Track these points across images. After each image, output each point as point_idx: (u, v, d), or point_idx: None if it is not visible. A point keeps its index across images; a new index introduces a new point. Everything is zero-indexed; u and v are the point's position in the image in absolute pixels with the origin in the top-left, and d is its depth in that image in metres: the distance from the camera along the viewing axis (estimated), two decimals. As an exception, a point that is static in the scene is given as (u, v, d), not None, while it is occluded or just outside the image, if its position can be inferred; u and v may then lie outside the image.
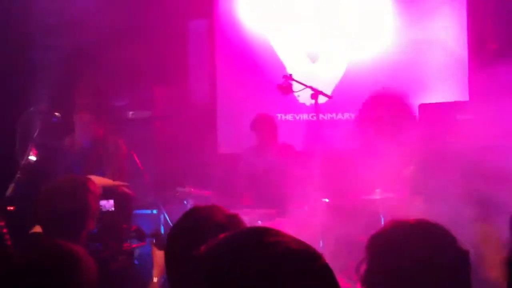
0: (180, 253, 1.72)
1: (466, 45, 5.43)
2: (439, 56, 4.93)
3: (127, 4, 5.80)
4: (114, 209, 2.74)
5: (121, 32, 5.85)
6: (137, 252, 2.99)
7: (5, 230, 2.97)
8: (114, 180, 3.88)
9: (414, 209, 4.22)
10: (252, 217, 4.72)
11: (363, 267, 1.62)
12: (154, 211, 5.15)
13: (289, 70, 5.63)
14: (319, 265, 1.06)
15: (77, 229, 2.54)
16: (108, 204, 2.72)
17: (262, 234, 1.08)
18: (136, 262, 2.95)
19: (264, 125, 5.18)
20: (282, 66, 5.90)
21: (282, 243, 1.06)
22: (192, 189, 4.78)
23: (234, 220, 1.78)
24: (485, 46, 5.17)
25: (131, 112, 5.50)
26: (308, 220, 4.66)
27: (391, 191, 4.69)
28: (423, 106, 4.68)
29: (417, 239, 1.59)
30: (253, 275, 1.02)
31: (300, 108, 5.73)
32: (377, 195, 4.71)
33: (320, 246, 4.28)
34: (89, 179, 2.71)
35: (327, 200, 4.66)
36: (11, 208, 3.64)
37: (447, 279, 1.56)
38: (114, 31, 5.83)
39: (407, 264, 1.55)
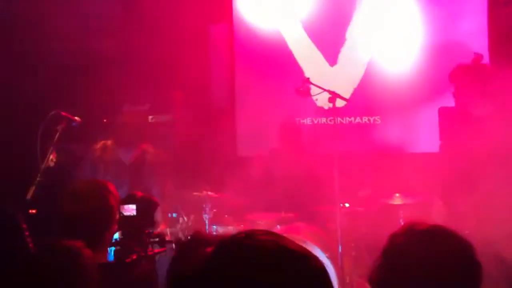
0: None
1: (486, 47, 5.37)
2: (460, 59, 4.87)
3: (148, 9, 5.86)
4: (136, 214, 2.75)
5: (142, 36, 5.90)
6: (157, 257, 3.00)
7: (27, 233, 3.00)
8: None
9: (435, 215, 4.19)
10: (271, 221, 4.72)
11: (377, 271, 1.63)
12: (174, 215, 5.17)
13: (307, 73, 5.62)
14: (314, 266, 1.05)
15: (101, 231, 2.56)
16: (130, 209, 2.73)
17: (257, 234, 1.10)
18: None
19: (288, 130, 5.22)
20: (300, 70, 5.90)
21: (279, 243, 1.06)
22: (210, 193, 4.79)
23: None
24: (505, 49, 5.12)
25: (151, 117, 5.53)
26: (327, 224, 4.65)
27: (412, 196, 4.67)
28: (443, 110, 4.64)
29: (429, 244, 1.60)
30: (250, 274, 1.02)
31: (318, 111, 5.72)
32: (397, 200, 4.69)
33: (339, 251, 4.26)
34: (109, 182, 2.73)
35: (347, 205, 4.64)
36: (33, 211, 3.67)
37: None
38: (134, 36, 5.89)
39: (416, 267, 1.56)
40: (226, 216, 4.94)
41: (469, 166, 3.85)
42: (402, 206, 4.61)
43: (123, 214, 2.73)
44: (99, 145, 4.84)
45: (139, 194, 3.22)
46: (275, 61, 5.99)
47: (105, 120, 4.89)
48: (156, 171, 4.66)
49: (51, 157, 3.95)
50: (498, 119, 3.92)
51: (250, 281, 1.01)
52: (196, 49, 6.12)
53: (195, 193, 4.79)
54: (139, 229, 2.83)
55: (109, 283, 2.49)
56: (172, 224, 4.80)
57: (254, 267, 1.02)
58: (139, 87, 5.82)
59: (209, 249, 1.11)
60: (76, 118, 4.18)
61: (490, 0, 5.36)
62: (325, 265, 1.09)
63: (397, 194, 4.68)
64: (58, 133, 4.02)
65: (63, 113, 4.14)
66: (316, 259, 1.09)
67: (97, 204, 2.56)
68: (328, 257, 4.20)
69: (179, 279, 1.12)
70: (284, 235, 3.38)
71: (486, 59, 5.22)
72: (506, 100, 3.96)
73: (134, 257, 2.56)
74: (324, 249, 4.25)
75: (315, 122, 5.79)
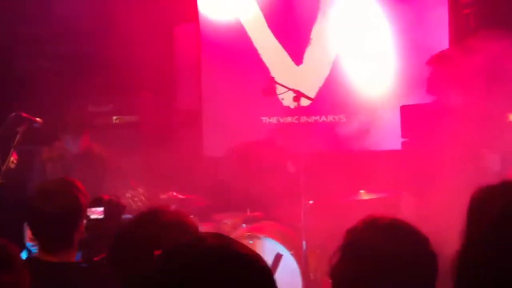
0: (128, 255, 1.76)
1: (447, 46, 5.51)
2: (422, 58, 4.99)
3: (113, 10, 5.81)
4: (104, 217, 2.73)
5: (106, 38, 5.85)
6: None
7: None
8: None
9: (400, 209, 4.29)
10: (236, 220, 4.75)
11: (334, 260, 1.66)
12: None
13: (273, 73, 5.66)
14: (259, 266, 1.08)
15: (70, 231, 2.53)
16: (97, 212, 2.70)
17: (205, 238, 1.11)
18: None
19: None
20: (266, 69, 5.93)
21: (224, 245, 1.08)
22: (176, 194, 4.77)
23: (182, 221, 1.82)
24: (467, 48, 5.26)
25: (115, 117, 5.50)
26: (293, 222, 4.70)
27: (376, 193, 4.75)
28: (405, 108, 4.74)
29: (387, 237, 1.62)
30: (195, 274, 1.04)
31: (284, 110, 5.77)
32: (362, 196, 4.77)
33: (304, 248, 4.31)
34: (78, 181, 2.71)
35: (311, 202, 4.70)
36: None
37: (411, 280, 1.58)
38: (98, 37, 5.83)
39: (373, 262, 1.59)
40: (192, 216, 4.93)
41: (432, 162, 3.95)
42: (367, 203, 4.69)
43: (89, 217, 2.71)
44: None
45: (106, 197, 3.19)
46: (241, 61, 6.01)
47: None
48: (111, 170, 4.60)
49: (11, 158, 3.90)
50: (465, 113, 4.03)
51: (194, 286, 1.03)
52: (162, 50, 6.09)
53: (161, 196, 4.77)
54: (106, 232, 2.81)
55: (76, 283, 2.48)
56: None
57: (199, 272, 1.04)
58: (103, 88, 5.78)
59: (157, 252, 1.13)
60: (37, 119, 4.13)
61: (451, 2, 5.50)
62: (290, 264, 1.12)
63: (362, 191, 4.76)
64: (18, 135, 3.96)
65: (24, 114, 4.08)
66: (262, 262, 1.11)
67: (68, 202, 2.54)
68: (292, 255, 4.26)
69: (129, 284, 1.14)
70: (249, 233, 3.41)
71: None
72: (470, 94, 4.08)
73: (103, 255, 2.55)
74: (289, 247, 4.30)
75: (281, 121, 5.84)
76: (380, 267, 1.59)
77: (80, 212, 2.59)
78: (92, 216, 2.69)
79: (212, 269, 1.04)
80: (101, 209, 2.75)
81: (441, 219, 3.70)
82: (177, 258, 1.07)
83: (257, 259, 1.10)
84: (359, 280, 1.61)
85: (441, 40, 5.46)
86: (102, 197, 2.89)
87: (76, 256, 2.70)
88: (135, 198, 4.19)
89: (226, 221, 4.77)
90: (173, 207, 4.52)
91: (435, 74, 4.33)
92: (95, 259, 2.51)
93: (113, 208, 2.93)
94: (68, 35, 5.86)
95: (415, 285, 1.60)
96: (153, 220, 1.82)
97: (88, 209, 2.64)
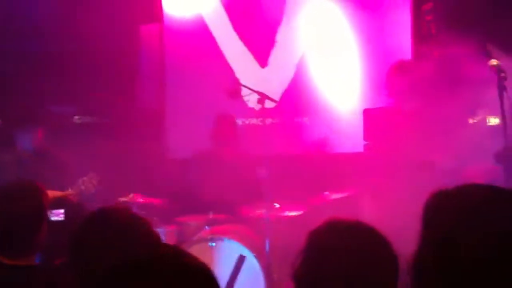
0: (86, 256, 1.76)
1: (410, 51, 5.61)
2: (385, 61, 5.08)
3: (76, 8, 5.71)
4: (65, 219, 2.68)
5: (67, 37, 5.74)
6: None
7: None
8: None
9: (362, 210, 4.33)
10: (199, 223, 4.71)
11: (297, 263, 1.67)
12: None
13: (238, 75, 5.67)
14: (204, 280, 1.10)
15: (32, 233, 2.46)
16: (57, 214, 2.65)
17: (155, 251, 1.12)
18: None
19: (225, 124, 5.21)
20: (231, 71, 5.92)
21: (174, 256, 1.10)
22: (138, 197, 4.70)
23: (138, 221, 1.81)
24: (428, 53, 5.37)
25: (76, 117, 5.40)
26: (256, 224, 4.70)
27: (339, 195, 4.79)
28: (367, 111, 4.79)
29: (345, 238, 1.65)
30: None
31: (250, 112, 5.77)
32: (325, 197, 4.79)
33: (266, 250, 4.32)
34: (39, 182, 2.65)
35: (276, 205, 4.70)
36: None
37: (372, 281, 1.60)
38: (60, 36, 5.72)
39: (335, 264, 1.60)
40: (154, 218, 4.88)
41: (393, 165, 4.01)
42: (330, 205, 4.72)
43: (50, 219, 2.64)
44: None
45: (69, 198, 3.13)
46: (206, 62, 5.98)
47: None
48: (68, 170, 4.50)
49: None
50: (423, 116, 4.11)
51: None
52: (126, 49, 6.02)
53: (121, 199, 4.69)
54: (67, 233, 2.74)
55: (36, 287, 2.42)
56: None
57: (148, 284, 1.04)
58: (66, 88, 5.67)
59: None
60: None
61: (413, 8, 5.60)
62: (253, 266, 1.13)
63: (326, 193, 4.79)
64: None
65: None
66: (209, 273, 1.12)
67: (30, 204, 2.47)
68: (255, 256, 4.26)
69: None
70: (212, 235, 3.38)
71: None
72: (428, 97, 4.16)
73: (63, 259, 2.49)
74: (252, 249, 4.30)
75: (246, 123, 5.84)
76: (342, 269, 1.60)
77: (42, 214, 2.52)
78: (53, 218, 2.63)
79: (160, 282, 1.05)
80: (62, 211, 2.69)
81: (401, 221, 3.76)
82: (127, 271, 1.08)
83: (206, 270, 1.11)
84: (321, 282, 1.63)
85: (404, 45, 5.57)
86: (63, 199, 2.83)
87: (36, 259, 2.65)
88: (87, 183, 4.11)
89: (188, 223, 4.73)
90: (134, 209, 4.48)
91: (394, 80, 4.41)
92: (56, 262, 2.46)
93: (74, 210, 2.88)
94: (30, 33, 5.73)
95: (376, 286, 1.61)
96: (107, 222, 1.79)
97: (49, 211, 2.58)
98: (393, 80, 4.41)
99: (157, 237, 1.82)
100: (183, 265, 1.08)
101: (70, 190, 3.97)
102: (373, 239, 1.67)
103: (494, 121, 4.25)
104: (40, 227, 2.49)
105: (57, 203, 2.86)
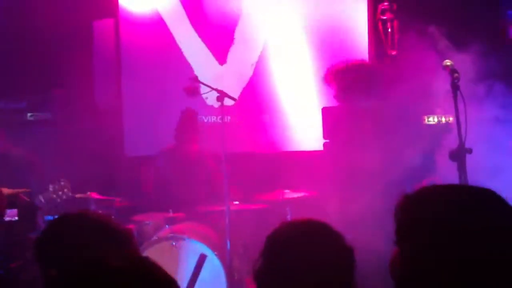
0: (51, 262, 1.72)
1: (367, 49, 5.68)
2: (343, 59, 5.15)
3: (29, 3, 5.57)
4: (18, 219, 2.58)
5: (21, 32, 5.59)
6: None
7: None
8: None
9: (321, 209, 4.37)
10: (159, 221, 4.66)
11: (256, 264, 1.71)
12: (56, 216, 4.93)
13: (197, 72, 5.62)
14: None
15: None
16: (11, 213, 2.55)
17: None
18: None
19: (189, 120, 5.15)
20: (189, 68, 5.88)
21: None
22: (94, 195, 4.61)
23: (106, 226, 1.79)
24: (385, 53, 5.46)
25: (29, 114, 5.26)
26: (216, 223, 4.68)
27: (298, 193, 4.82)
28: (326, 109, 4.83)
29: (301, 237, 1.70)
30: None
31: (209, 110, 5.74)
32: (284, 196, 4.81)
33: (227, 248, 4.30)
34: None
35: (236, 203, 4.70)
36: None
37: (330, 276, 1.65)
38: (13, 30, 5.56)
39: (292, 262, 1.65)
40: (112, 217, 4.80)
41: (352, 163, 4.06)
42: (289, 203, 4.74)
43: (3, 219, 2.55)
44: None
45: (21, 197, 3.02)
46: (164, 59, 5.92)
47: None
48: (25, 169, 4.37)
49: None
50: (383, 115, 4.17)
51: None
52: (80, 46, 5.89)
53: (78, 195, 4.58)
54: (22, 234, 2.66)
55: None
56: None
57: None
58: (18, 84, 5.52)
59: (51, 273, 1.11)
60: None
61: (370, 8, 5.68)
62: (214, 264, 1.13)
63: (286, 191, 4.81)
64: None
65: None
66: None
67: None
68: (216, 255, 4.24)
69: None
70: (172, 234, 3.34)
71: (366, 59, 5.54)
72: (385, 94, 4.23)
73: (20, 262, 2.40)
74: (213, 247, 4.28)
75: (205, 120, 5.80)
76: (299, 267, 1.65)
77: None
78: (6, 219, 2.53)
79: None
80: (15, 211, 2.59)
81: (360, 217, 3.82)
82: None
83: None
84: (280, 282, 1.66)
85: (361, 44, 5.64)
86: (15, 197, 2.72)
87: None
88: (59, 192, 4.00)
89: (147, 222, 4.66)
90: (92, 207, 4.39)
91: (347, 80, 4.45)
92: (12, 265, 2.37)
93: (28, 209, 2.78)
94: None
95: (334, 280, 1.66)
96: (80, 223, 1.75)
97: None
98: (332, 80, 4.47)
99: (126, 241, 1.77)
100: (147, 278, 1.06)
101: (41, 197, 3.86)
102: (326, 234, 1.72)
103: (448, 120, 4.36)
104: None
105: (9, 202, 2.75)
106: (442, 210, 1.35)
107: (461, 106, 3.16)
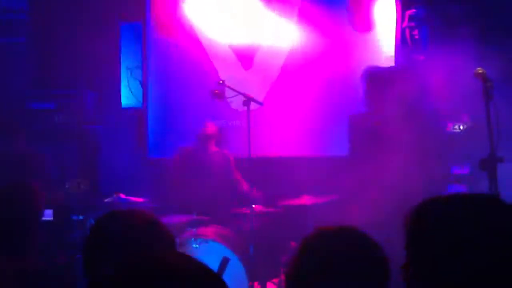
0: (98, 259, 1.72)
1: (394, 56, 5.66)
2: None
3: (59, 4, 5.64)
4: (53, 219, 2.60)
5: (50, 34, 5.67)
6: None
7: None
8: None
9: (345, 214, 4.36)
10: (182, 223, 4.69)
11: (288, 271, 1.68)
12: (81, 217, 4.99)
13: (222, 76, 5.65)
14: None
15: (28, 235, 2.40)
16: (46, 213, 2.57)
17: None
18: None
19: (213, 133, 5.20)
20: (215, 71, 5.90)
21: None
22: (122, 196, 4.66)
23: (154, 224, 1.79)
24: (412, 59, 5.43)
25: (58, 115, 5.33)
26: (239, 226, 4.69)
27: (321, 198, 4.81)
28: (352, 117, 4.82)
29: (338, 244, 1.66)
30: None
31: (233, 114, 5.76)
32: (306, 201, 4.81)
33: (250, 252, 4.32)
34: (37, 183, 2.58)
35: (260, 207, 4.70)
36: None
37: (366, 285, 1.62)
38: (43, 32, 5.64)
39: (326, 270, 1.62)
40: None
41: (377, 170, 4.04)
42: (312, 208, 4.74)
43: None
44: None
45: (56, 197, 3.06)
46: (190, 62, 5.95)
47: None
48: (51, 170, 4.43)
49: None
50: (404, 121, 4.15)
51: None
52: (107, 47, 5.95)
53: (106, 200, 4.63)
54: (57, 233, 2.69)
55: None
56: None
57: None
58: (47, 85, 5.59)
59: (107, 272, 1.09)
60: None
61: (399, 13, 5.64)
62: (237, 268, 1.12)
63: (309, 196, 4.81)
64: None
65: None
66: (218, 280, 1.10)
67: (25, 206, 2.41)
68: (239, 259, 4.25)
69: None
70: (196, 237, 3.34)
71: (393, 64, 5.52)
72: (409, 102, 4.21)
73: (61, 262, 2.44)
74: (236, 251, 4.29)
75: (229, 124, 5.82)
76: (333, 274, 1.62)
77: (37, 216, 2.45)
78: (42, 219, 2.58)
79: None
80: (50, 211, 2.63)
81: (385, 225, 3.79)
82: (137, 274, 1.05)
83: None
84: (313, 284, 1.64)
85: (389, 50, 5.62)
86: (52, 199, 2.76)
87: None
88: (75, 187, 4.04)
89: (171, 224, 4.69)
90: (117, 208, 4.43)
91: (376, 88, 4.44)
92: (48, 265, 2.39)
93: (63, 209, 2.82)
94: (12, 28, 5.64)
95: None
96: (127, 221, 1.76)
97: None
98: (369, 88, 4.46)
99: (171, 241, 1.79)
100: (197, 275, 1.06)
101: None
102: (362, 243, 1.68)
103: (474, 126, 4.33)
104: (35, 229, 2.42)
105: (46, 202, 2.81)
106: (448, 220, 1.36)
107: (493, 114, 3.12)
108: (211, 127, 5.18)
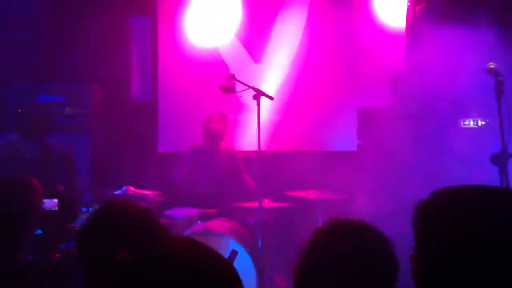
0: (93, 249, 1.73)
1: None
2: (380, 60, 5.11)
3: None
4: (58, 209, 2.61)
5: (61, 27, 5.69)
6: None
7: None
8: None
9: (353, 209, 4.34)
10: (191, 216, 4.70)
11: (299, 265, 1.65)
12: (90, 209, 5.01)
13: (232, 70, 5.64)
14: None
15: (23, 233, 2.41)
16: (51, 204, 2.59)
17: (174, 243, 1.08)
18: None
19: (221, 123, 5.18)
20: (225, 66, 5.90)
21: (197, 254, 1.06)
22: (131, 189, 4.68)
23: (147, 214, 1.80)
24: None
25: (68, 108, 5.36)
26: (248, 220, 4.70)
27: (330, 193, 4.80)
28: (361, 110, 4.80)
29: (349, 239, 1.63)
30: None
31: (242, 108, 5.76)
32: (315, 196, 4.80)
33: (259, 245, 4.32)
34: (32, 177, 2.59)
35: (269, 201, 4.70)
36: None
37: (373, 283, 1.60)
38: (54, 26, 5.67)
39: (336, 262, 1.59)
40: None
41: (386, 165, 4.02)
42: (320, 202, 4.73)
43: (44, 209, 2.60)
44: (3, 141, 4.54)
45: (61, 188, 3.07)
46: (200, 56, 5.95)
47: (20, 110, 4.64)
48: (65, 165, 4.44)
49: None
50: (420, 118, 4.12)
51: None
52: (117, 41, 5.97)
53: (115, 192, 4.65)
54: (61, 224, 2.70)
55: (29, 284, 2.37)
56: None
57: (170, 279, 1.01)
58: (58, 78, 5.62)
59: (123, 254, 1.07)
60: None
61: (410, 8, 5.59)
62: (245, 261, 1.09)
63: (318, 190, 4.80)
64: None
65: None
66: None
67: (19, 202, 2.42)
68: (247, 252, 4.25)
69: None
70: (204, 230, 3.33)
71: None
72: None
73: (58, 255, 2.44)
74: (244, 244, 4.30)
75: (239, 118, 5.82)
76: (342, 269, 1.60)
77: (31, 211, 2.46)
78: (47, 209, 2.58)
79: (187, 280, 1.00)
80: (55, 201, 2.63)
81: (393, 221, 3.77)
82: (151, 264, 1.03)
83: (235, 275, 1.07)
84: (321, 282, 1.61)
85: (399, 45, 5.57)
86: (57, 188, 2.77)
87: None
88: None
89: (180, 217, 4.71)
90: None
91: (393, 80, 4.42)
92: (52, 258, 2.40)
93: (68, 200, 2.82)
94: (20, 22, 5.67)
95: (376, 286, 1.61)
96: (121, 213, 1.77)
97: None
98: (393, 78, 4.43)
99: (166, 231, 1.80)
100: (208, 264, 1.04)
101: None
102: (373, 239, 1.65)
103: (485, 122, 4.28)
104: (29, 224, 2.42)
105: (51, 193, 2.80)
106: (458, 212, 1.34)
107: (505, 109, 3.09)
108: (215, 122, 5.16)
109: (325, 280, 1.60)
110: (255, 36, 5.92)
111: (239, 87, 4.79)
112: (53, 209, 2.66)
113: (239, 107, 5.75)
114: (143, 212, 1.81)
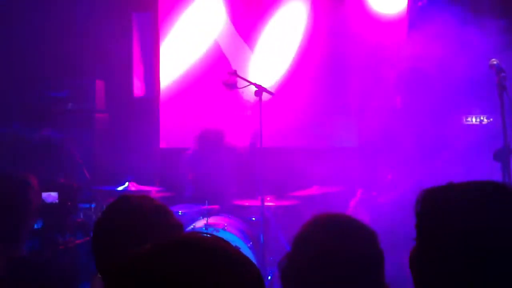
0: (109, 242, 1.72)
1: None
2: (380, 56, 5.09)
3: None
4: (58, 201, 2.61)
5: (63, 23, 5.69)
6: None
7: None
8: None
9: (356, 206, 4.34)
10: (194, 212, 4.70)
11: (285, 260, 1.64)
12: (93, 205, 5.02)
13: (234, 66, 5.63)
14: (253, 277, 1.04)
15: (16, 225, 2.40)
16: (51, 196, 2.58)
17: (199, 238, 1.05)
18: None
19: (210, 139, 5.20)
20: (226, 62, 5.89)
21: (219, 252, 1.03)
22: (133, 185, 4.68)
23: (163, 210, 1.78)
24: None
25: (70, 104, 5.36)
26: (250, 216, 4.70)
27: (331, 188, 4.79)
28: (363, 109, 4.78)
29: (333, 233, 1.61)
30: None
31: (244, 104, 5.74)
32: (316, 190, 4.80)
33: (261, 241, 4.31)
34: (27, 173, 2.57)
35: (271, 197, 4.69)
36: None
37: (360, 276, 1.58)
38: (57, 22, 5.67)
39: (320, 255, 1.58)
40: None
41: (388, 161, 4.02)
42: (322, 198, 4.73)
43: (44, 201, 2.58)
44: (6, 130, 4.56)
45: (61, 180, 3.06)
46: (201, 52, 5.95)
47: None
48: (65, 158, 4.44)
49: None
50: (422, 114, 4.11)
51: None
52: (119, 37, 5.97)
53: (117, 188, 4.65)
54: (61, 217, 2.69)
55: (25, 277, 2.37)
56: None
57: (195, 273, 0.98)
58: (59, 73, 5.62)
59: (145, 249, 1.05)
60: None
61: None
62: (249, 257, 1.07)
63: (319, 187, 4.79)
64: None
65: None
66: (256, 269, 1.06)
67: (13, 198, 2.41)
68: (249, 247, 4.25)
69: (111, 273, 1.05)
70: (207, 226, 3.33)
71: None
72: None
73: (61, 245, 2.44)
74: (246, 240, 4.30)
75: (241, 115, 5.81)
76: (327, 265, 1.58)
77: (26, 207, 2.45)
78: (46, 201, 2.57)
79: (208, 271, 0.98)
80: (55, 193, 2.62)
81: (395, 216, 3.77)
82: (173, 254, 1.00)
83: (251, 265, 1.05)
84: (307, 279, 1.60)
85: (399, 39, 5.56)
86: (56, 180, 2.76)
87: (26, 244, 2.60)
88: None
89: (183, 213, 4.71)
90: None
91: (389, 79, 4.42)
92: (53, 248, 2.40)
93: (68, 192, 2.82)
94: (20, 17, 5.67)
95: (361, 280, 1.60)
96: (136, 207, 1.76)
97: (42, 193, 2.52)
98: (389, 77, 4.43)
99: (181, 227, 1.78)
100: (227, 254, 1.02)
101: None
102: (357, 233, 1.64)
103: (487, 120, 4.27)
104: (25, 220, 2.42)
105: (50, 185, 2.80)
106: (462, 204, 1.34)
107: (507, 106, 3.08)
108: (209, 132, 5.18)
109: (311, 274, 1.59)
110: (255, 29, 5.91)
111: (240, 83, 4.79)
112: (53, 201, 2.65)
113: (242, 103, 5.74)
114: (159, 207, 1.79)
